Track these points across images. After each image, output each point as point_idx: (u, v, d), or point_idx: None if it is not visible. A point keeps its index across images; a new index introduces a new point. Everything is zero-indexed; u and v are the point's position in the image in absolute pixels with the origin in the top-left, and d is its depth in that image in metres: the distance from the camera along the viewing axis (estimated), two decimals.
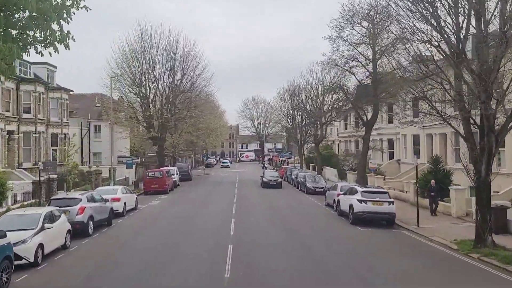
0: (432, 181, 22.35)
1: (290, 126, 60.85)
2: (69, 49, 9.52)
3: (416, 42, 14.74)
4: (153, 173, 35.46)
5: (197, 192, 35.97)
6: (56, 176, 25.98)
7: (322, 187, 34.46)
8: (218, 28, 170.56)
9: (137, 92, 45.42)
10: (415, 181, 27.50)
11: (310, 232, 18.44)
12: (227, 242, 16.09)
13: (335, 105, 38.80)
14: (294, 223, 20.71)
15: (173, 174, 40.08)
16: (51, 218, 14.31)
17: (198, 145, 67.79)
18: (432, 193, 22.03)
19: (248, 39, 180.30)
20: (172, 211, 24.92)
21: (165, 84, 47.34)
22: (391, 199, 19.96)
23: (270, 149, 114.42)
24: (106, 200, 19.83)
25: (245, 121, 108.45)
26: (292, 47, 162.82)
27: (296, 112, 55.71)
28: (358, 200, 19.76)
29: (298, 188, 38.76)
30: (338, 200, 22.92)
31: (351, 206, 20.23)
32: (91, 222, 17.61)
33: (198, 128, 57.11)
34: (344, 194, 22.28)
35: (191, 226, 19.91)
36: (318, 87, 44.07)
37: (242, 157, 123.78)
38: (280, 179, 40.46)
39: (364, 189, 20.58)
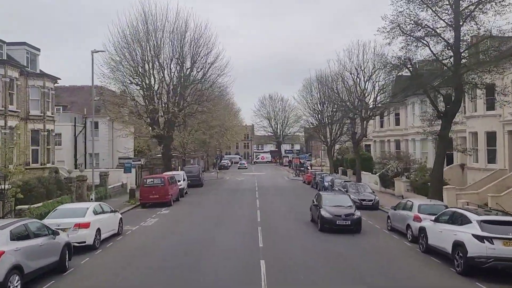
0: None
1: (317, 123, 52.19)
2: None
3: None
4: (152, 180, 27.48)
5: (208, 205, 28.02)
6: (10, 186, 18.50)
7: (371, 200, 26.46)
8: (218, 28, 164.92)
9: (139, 83, 38.31)
10: None
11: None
12: None
13: (384, 88, 30.19)
14: (360, 269, 12.77)
15: (179, 180, 32.34)
16: None
17: (211, 145, 60.63)
18: None
19: (250, 39, 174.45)
20: (170, 240, 17.01)
21: (172, 73, 40.27)
22: None
23: (288, 150, 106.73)
24: (56, 233, 12.08)
25: (261, 120, 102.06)
26: (296, 48, 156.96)
27: (325, 106, 47.36)
28: (475, 236, 11.63)
29: None
30: (423, 229, 14.79)
31: (459, 245, 12.12)
32: (17, 278, 9.92)
33: (211, 126, 50.01)
34: (436, 220, 14.20)
35: (195, 272, 12.14)
36: (359, 73, 35.77)
37: (258, 158, 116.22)
38: (358, 212, 19.04)
39: (484, 217, 12.30)
